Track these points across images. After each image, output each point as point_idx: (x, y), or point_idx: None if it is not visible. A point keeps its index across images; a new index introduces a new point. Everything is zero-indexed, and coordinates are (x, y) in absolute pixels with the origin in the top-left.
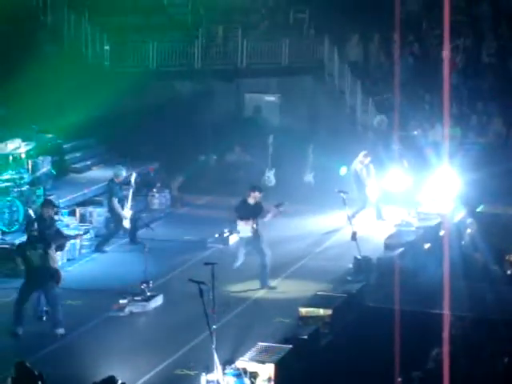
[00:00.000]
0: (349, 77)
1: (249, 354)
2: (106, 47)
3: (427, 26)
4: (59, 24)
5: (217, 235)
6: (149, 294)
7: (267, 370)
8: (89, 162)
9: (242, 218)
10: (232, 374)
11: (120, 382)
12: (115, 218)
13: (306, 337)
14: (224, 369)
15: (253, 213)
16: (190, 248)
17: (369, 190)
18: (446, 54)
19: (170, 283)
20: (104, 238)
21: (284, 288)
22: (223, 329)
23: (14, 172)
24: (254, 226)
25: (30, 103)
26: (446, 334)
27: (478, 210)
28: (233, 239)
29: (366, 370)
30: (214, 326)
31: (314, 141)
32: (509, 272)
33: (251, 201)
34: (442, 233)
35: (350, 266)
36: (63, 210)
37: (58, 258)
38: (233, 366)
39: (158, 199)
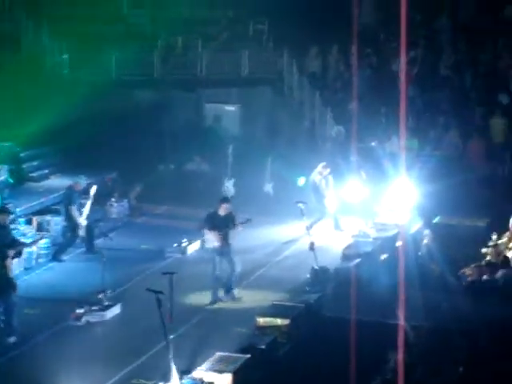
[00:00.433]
0: (307, 88)
1: (206, 364)
2: (65, 56)
3: (384, 39)
4: (17, 32)
5: (175, 245)
6: (106, 303)
7: (225, 380)
8: (46, 171)
9: (210, 229)
10: (189, 383)
11: None
12: (72, 226)
13: (263, 346)
14: (181, 378)
15: (223, 223)
16: (148, 257)
17: (327, 200)
18: (402, 66)
19: (128, 292)
20: (61, 246)
21: (242, 298)
22: (181, 338)
23: None
24: (221, 236)
25: None
26: (401, 344)
27: (435, 221)
28: (191, 248)
29: (323, 380)
30: (172, 336)
31: (273, 151)
32: (464, 283)
33: (222, 212)
34: (398, 243)
35: (308, 276)
36: (20, 219)
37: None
38: (190, 375)
39: (116, 208)
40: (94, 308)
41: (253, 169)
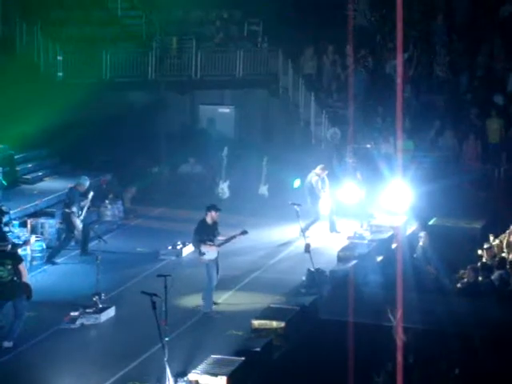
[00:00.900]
0: (303, 90)
1: (201, 367)
2: (59, 57)
3: (380, 40)
4: (11, 34)
5: (170, 247)
6: (100, 306)
7: (220, 383)
8: (40, 173)
9: (203, 242)
10: None
11: None
12: (68, 227)
13: (258, 349)
14: (176, 381)
15: (212, 233)
16: (142, 260)
17: (321, 202)
18: (398, 67)
19: (123, 295)
20: (55, 249)
21: (237, 300)
22: (175, 341)
23: None
24: (218, 248)
25: None
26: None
27: (430, 222)
28: (186, 251)
29: (318, 383)
30: (167, 339)
31: (268, 153)
32: (459, 285)
33: (209, 220)
34: (394, 245)
35: (303, 278)
36: (14, 222)
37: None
38: (185, 378)
39: (111, 211)
40: (88, 311)
41: (248, 171)
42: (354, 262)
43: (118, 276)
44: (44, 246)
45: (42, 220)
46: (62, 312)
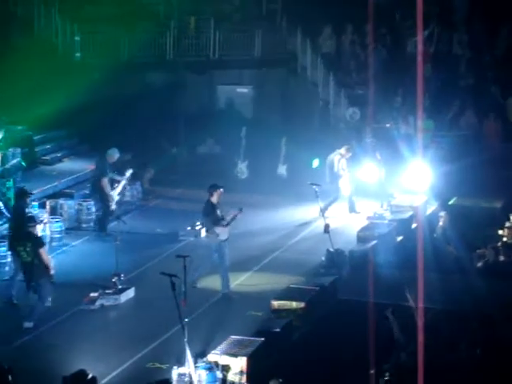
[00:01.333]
0: (321, 69)
1: (221, 348)
2: (77, 38)
3: (400, 18)
4: (29, 15)
5: (189, 228)
6: (120, 287)
7: (239, 363)
8: (59, 154)
9: (216, 223)
10: (204, 367)
11: (90, 375)
12: (101, 197)
13: (278, 330)
14: (196, 362)
15: (220, 213)
16: (161, 241)
17: (342, 181)
18: (418, 45)
19: (142, 276)
20: (100, 223)
21: (256, 281)
22: (195, 322)
23: None
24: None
25: (0, 94)
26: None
27: (450, 202)
28: (204, 232)
29: (338, 363)
30: (186, 319)
31: (286, 133)
32: (479, 265)
33: (215, 200)
34: (414, 225)
35: (323, 258)
36: (33, 203)
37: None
38: (205, 359)
39: (130, 191)
40: (108, 292)
41: (266, 151)
42: (374, 242)
43: (137, 257)
44: (63, 227)
45: (61, 201)
46: (82, 293)
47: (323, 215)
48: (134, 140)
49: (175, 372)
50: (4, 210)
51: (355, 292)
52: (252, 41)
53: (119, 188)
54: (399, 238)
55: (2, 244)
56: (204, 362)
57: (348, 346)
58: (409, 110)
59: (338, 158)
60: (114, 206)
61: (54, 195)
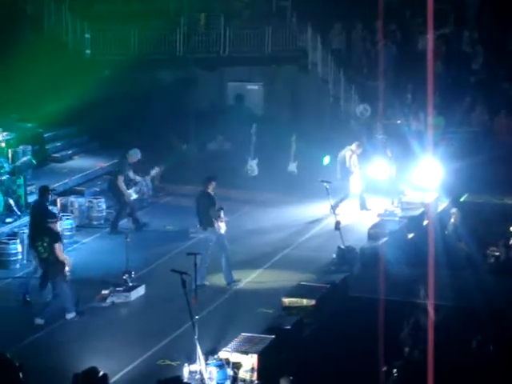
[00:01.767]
0: (332, 65)
1: (232, 345)
2: (87, 35)
3: (410, 14)
4: (39, 12)
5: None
6: (131, 284)
7: (250, 361)
8: (70, 152)
9: (221, 215)
10: (215, 364)
11: (101, 373)
12: (115, 195)
13: (289, 327)
14: (206, 359)
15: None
16: (172, 238)
17: (353, 178)
18: (429, 42)
19: (153, 273)
20: (114, 220)
21: (266, 278)
22: (206, 319)
23: None
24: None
25: (10, 92)
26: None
27: (462, 199)
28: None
29: (349, 360)
30: (197, 317)
31: (297, 130)
32: (491, 262)
33: (212, 191)
34: (425, 222)
35: (334, 255)
36: None
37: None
38: (215, 356)
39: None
40: (118, 289)
41: (277, 148)
42: (385, 239)
43: (147, 254)
44: (74, 225)
45: (71, 198)
46: (93, 290)
47: (334, 212)
48: (144, 137)
49: (186, 369)
50: (15, 208)
51: (366, 289)
52: (262, 37)
53: (136, 187)
54: (410, 235)
55: (13, 241)
56: (215, 359)
57: (359, 343)
58: (419, 107)
59: (349, 154)
60: (128, 202)
61: (65, 192)
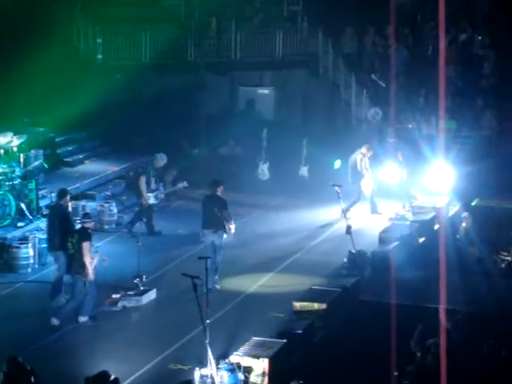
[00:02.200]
0: (343, 69)
1: (243, 349)
2: (99, 40)
3: (422, 19)
4: (51, 17)
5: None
6: (142, 288)
7: (261, 365)
8: (81, 156)
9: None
10: (226, 368)
11: (113, 377)
12: (138, 195)
13: (300, 331)
14: (218, 363)
15: None
16: (183, 242)
17: (364, 182)
18: (441, 46)
19: (164, 277)
20: (132, 220)
21: (278, 282)
22: (217, 323)
23: (5, 166)
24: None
25: (22, 96)
26: (441, 328)
27: (473, 203)
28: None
29: (360, 365)
30: (208, 321)
31: (308, 134)
32: (502, 266)
33: (221, 194)
34: (436, 226)
35: (345, 260)
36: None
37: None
38: (227, 360)
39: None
40: (129, 293)
41: (288, 152)
42: (396, 243)
43: (159, 258)
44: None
45: (82, 202)
46: (104, 294)
47: (345, 216)
48: (155, 141)
49: (197, 373)
50: (26, 212)
51: (377, 293)
52: (273, 42)
53: (158, 193)
54: (421, 240)
55: (25, 245)
56: (226, 363)
57: (370, 347)
58: (431, 111)
59: (360, 157)
60: (144, 204)
61: (76, 197)
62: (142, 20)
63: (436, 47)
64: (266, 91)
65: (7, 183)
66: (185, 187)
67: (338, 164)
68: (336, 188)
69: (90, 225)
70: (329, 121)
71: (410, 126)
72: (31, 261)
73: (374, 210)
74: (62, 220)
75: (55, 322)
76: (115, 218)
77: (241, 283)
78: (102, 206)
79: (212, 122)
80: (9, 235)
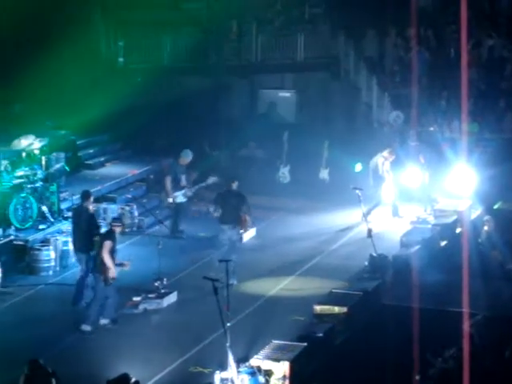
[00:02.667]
0: (364, 72)
1: (263, 352)
2: (120, 43)
3: (444, 21)
4: (73, 20)
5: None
6: (163, 291)
7: (282, 368)
8: (102, 159)
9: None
10: (246, 371)
11: (134, 379)
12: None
13: (321, 335)
14: (238, 367)
15: None
16: (204, 244)
17: (385, 185)
18: (463, 48)
19: (184, 280)
20: (172, 221)
21: (298, 285)
22: (237, 326)
23: (27, 168)
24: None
25: (44, 99)
26: (463, 332)
27: (495, 207)
28: (247, 236)
29: (381, 368)
30: (229, 324)
31: (329, 137)
32: None
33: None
34: (458, 230)
35: (366, 263)
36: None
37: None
38: (247, 363)
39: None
40: (150, 296)
41: (308, 155)
42: (417, 247)
43: (179, 261)
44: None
45: (103, 205)
46: (125, 297)
47: (366, 220)
48: (176, 144)
49: (218, 376)
50: (48, 215)
51: (398, 297)
52: (294, 45)
53: (186, 191)
54: (443, 243)
55: (46, 248)
56: (246, 366)
57: (391, 351)
58: (453, 114)
59: (382, 160)
60: (167, 203)
61: (97, 199)
62: (163, 23)
63: (458, 49)
64: (287, 94)
65: (29, 186)
66: (215, 183)
67: (359, 167)
68: (357, 191)
69: (118, 229)
70: (350, 124)
71: (431, 128)
72: (53, 263)
73: (395, 214)
74: (86, 222)
75: (86, 327)
76: (136, 220)
77: (261, 286)
78: (122, 208)
79: (233, 125)
80: (30, 238)
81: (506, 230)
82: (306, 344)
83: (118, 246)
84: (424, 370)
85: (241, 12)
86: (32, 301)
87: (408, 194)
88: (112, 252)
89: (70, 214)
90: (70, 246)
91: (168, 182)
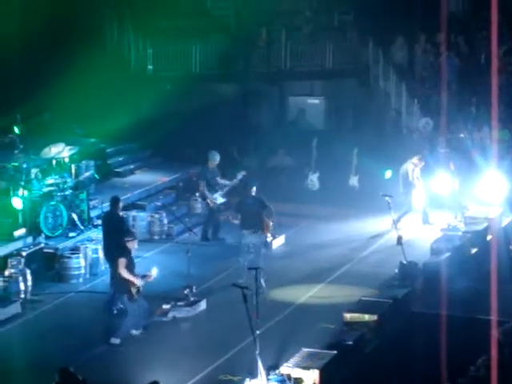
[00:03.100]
0: (394, 79)
1: (293, 360)
2: (149, 51)
3: (475, 27)
4: (102, 28)
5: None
6: (192, 298)
7: (312, 376)
8: (132, 166)
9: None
10: (276, 379)
11: None
12: (205, 202)
13: (351, 342)
14: (268, 374)
15: None
16: (233, 252)
17: (415, 192)
18: (494, 54)
19: (214, 288)
20: (213, 227)
21: (328, 293)
22: (267, 334)
23: (57, 176)
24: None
25: (74, 108)
26: (493, 340)
27: None
28: (276, 243)
29: (411, 376)
30: (258, 332)
31: (358, 144)
32: None
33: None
34: (489, 237)
35: (396, 271)
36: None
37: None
38: (277, 371)
39: (201, 203)
40: (180, 303)
41: (338, 162)
42: (448, 254)
43: (208, 269)
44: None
45: (133, 213)
46: (154, 305)
47: (396, 227)
48: (205, 151)
49: None
50: (78, 222)
51: (429, 305)
52: (323, 51)
53: (220, 196)
54: (473, 251)
55: (76, 256)
56: (276, 374)
57: (421, 359)
58: (483, 120)
59: (412, 167)
60: (213, 206)
61: (127, 207)
62: (191, 31)
63: (489, 56)
64: (316, 101)
65: (59, 194)
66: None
67: (388, 174)
68: (387, 198)
69: (130, 244)
70: (379, 130)
71: (461, 135)
72: (82, 271)
73: (425, 221)
74: (115, 227)
75: (116, 341)
76: (165, 228)
77: (291, 294)
78: (152, 216)
79: (261, 132)
80: (60, 245)
81: None
82: (335, 352)
83: (147, 254)
84: (454, 378)
85: (269, 19)
86: (62, 309)
87: (438, 201)
88: (129, 266)
89: (99, 221)
90: (100, 254)
91: (202, 186)
